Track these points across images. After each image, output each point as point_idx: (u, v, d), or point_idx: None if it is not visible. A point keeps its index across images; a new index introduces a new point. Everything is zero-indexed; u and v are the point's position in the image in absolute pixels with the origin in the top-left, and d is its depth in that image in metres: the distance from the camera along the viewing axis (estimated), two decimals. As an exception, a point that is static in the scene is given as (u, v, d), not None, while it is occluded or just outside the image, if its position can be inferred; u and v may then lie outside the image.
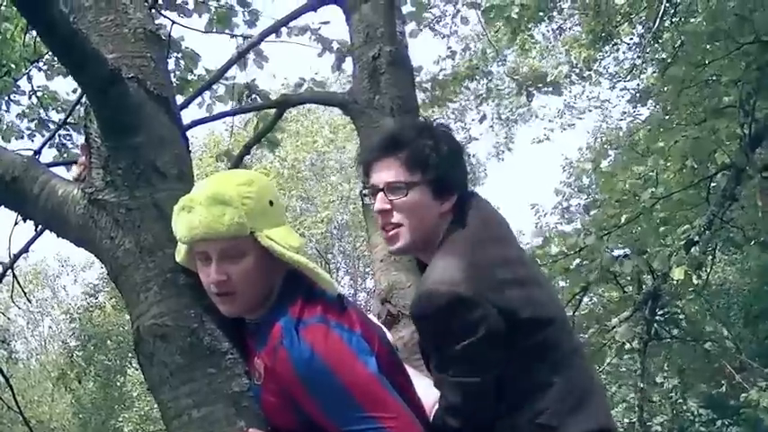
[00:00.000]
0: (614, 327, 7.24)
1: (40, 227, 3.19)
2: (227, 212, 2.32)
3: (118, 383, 25.83)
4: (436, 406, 2.52)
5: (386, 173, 2.53)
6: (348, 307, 2.42)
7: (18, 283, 4.99)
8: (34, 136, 9.15)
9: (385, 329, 2.93)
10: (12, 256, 4.58)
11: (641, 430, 8.64)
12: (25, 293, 5.26)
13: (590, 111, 20.97)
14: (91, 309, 26.00)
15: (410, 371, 2.72)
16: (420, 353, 2.66)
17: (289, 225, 2.51)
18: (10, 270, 4.59)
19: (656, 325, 7.87)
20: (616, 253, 7.20)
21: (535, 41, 14.95)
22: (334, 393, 2.25)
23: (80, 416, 26.68)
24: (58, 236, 2.85)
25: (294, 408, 2.34)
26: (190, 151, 2.92)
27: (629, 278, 7.64)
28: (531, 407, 2.44)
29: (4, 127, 9.05)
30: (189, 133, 3.16)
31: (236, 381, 2.50)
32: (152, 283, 2.59)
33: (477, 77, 10.75)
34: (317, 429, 2.32)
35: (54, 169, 2.98)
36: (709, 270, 8.81)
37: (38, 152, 4.99)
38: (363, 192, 2.67)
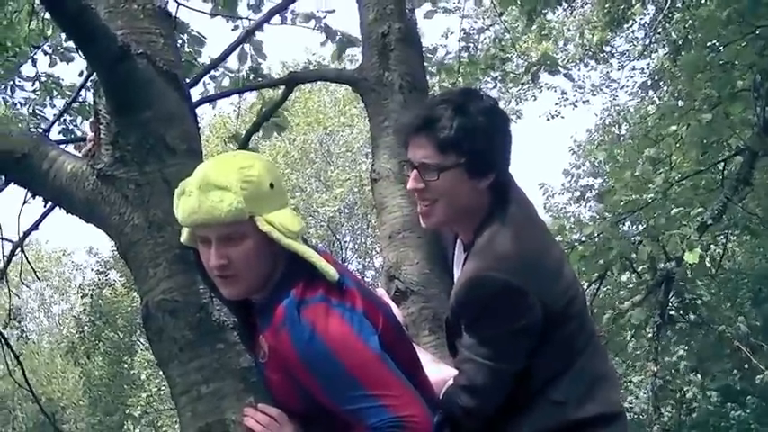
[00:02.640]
0: (628, 310, 7.24)
1: (49, 204, 3.20)
2: (226, 198, 2.32)
3: (126, 364, 25.97)
4: (450, 382, 2.53)
5: (420, 151, 2.51)
6: (350, 286, 2.41)
7: (29, 262, 5.01)
8: (39, 125, 9.18)
9: (393, 305, 2.95)
10: (21, 234, 4.60)
11: (654, 414, 8.67)
12: (36, 272, 5.28)
13: (600, 90, 20.84)
14: (101, 286, 26.11)
15: (416, 347, 2.75)
16: (445, 328, 2.68)
17: (290, 207, 2.50)
18: (19, 249, 4.61)
19: (669, 309, 7.87)
20: (632, 239, 7.19)
21: (552, 26, 14.89)
22: (335, 372, 2.26)
23: (90, 393, 26.85)
24: (67, 212, 2.85)
25: (297, 386, 2.36)
26: (199, 127, 2.92)
27: (644, 264, 7.61)
28: (549, 389, 2.48)
29: (10, 114, 9.09)
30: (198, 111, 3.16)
31: (244, 356, 2.52)
32: (161, 259, 2.60)
33: (496, 66, 10.67)
34: (320, 408, 2.34)
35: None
36: (722, 254, 8.81)
37: (47, 131, 5.01)
38: (403, 163, 2.68)
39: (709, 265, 6.87)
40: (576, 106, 20.62)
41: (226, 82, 6.24)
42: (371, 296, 2.53)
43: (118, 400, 26.19)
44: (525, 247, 2.45)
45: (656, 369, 7.80)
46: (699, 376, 12.49)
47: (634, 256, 7.04)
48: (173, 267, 2.58)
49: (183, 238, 2.55)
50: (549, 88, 19.04)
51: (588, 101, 20.80)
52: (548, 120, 20.85)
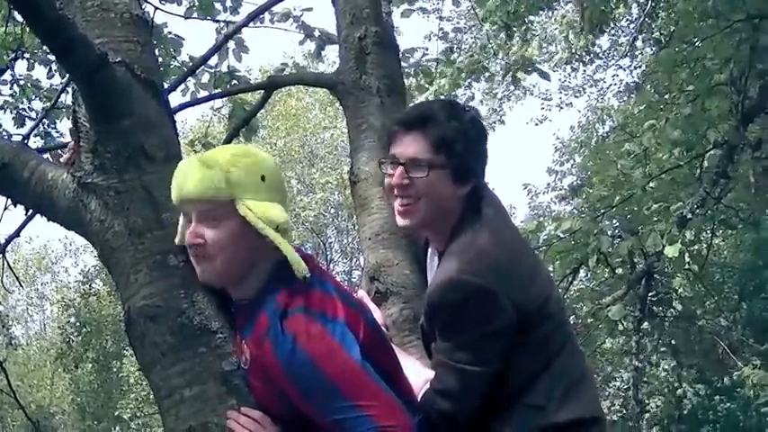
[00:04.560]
0: (608, 306, 7.30)
1: (31, 211, 3.22)
2: (208, 175, 2.37)
3: (114, 369, 25.94)
4: (426, 386, 2.56)
5: (410, 147, 2.54)
6: (332, 294, 2.44)
7: (10, 267, 5.01)
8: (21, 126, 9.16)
9: (373, 306, 2.98)
10: (3, 241, 4.61)
11: (637, 408, 8.71)
12: (18, 279, 5.29)
13: (584, 92, 20.92)
14: (86, 295, 26.06)
15: (397, 350, 2.77)
16: (420, 332, 2.70)
17: (281, 205, 2.49)
18: (1, 255, 4.62)
19: (649, 304, 7.93)
20: (611, 233, 7.24)
21: (535, 31, 14.94)
22: (317, 384, 2.28)
23: (78, 400, 26.79)
24: (48, 220, 2.88)
25: (279, 395, 2.37)
26: (178, 134, 2.94)
27: (621, 259, 7.68)
28: (526, 393, 2.50)
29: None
30: (179, 118, 3.18)
31: (226, 360, 2.53)
32: (142, 265, 2.61)
33: (477, 72, 10.71)
34: (302, 416, 2.36)
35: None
36: (708, 249, 8.87)
37: (25, 138, 5.02)
38: (381, 161, 2.66)
39: (688, 259, 6.92)
40: (561, 108, 20.72)
41: (205, 78, 6.29)
42: (353, 303, 2.54)
43: (107, 405, 26.16)
44: (498, 251, 2.47)
45: (636, 363, 7.86)
46: (685, 371, 12.58)
47: (610, 251, 7.08)
48: (153, 273, 2.60)
49: (177, 239, 2.57)
50: (533, 94, 19.16)
51: (571, 103, 20.91)
52: (536, 125, 20.94)
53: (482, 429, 2.52)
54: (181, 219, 2.55)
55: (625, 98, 18.37)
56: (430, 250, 2.78)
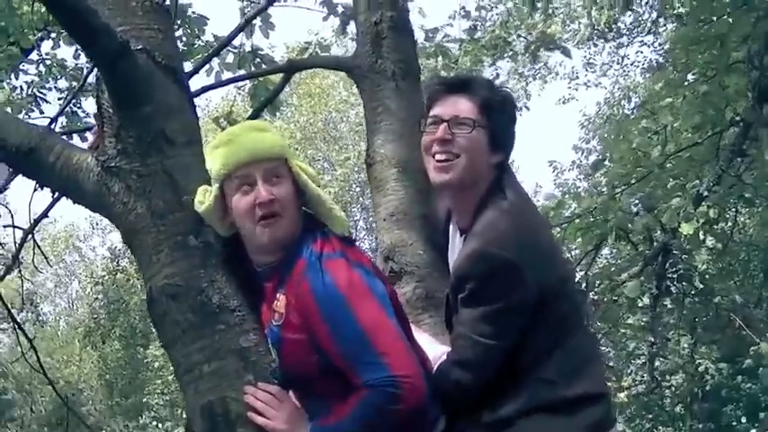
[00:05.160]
0: (624, 282, 7.35)
1: (57, 194, 3.32)
2: (268, 136, 2.55)
3: (141, 347, 26.18)
4: (443, 358, 2.64)
5: (455, 107, 2.65)
6: (363, 256, 2.58)
7: (38, 247, 5.14)
8: (39, 105, 9.27)
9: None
10: (32, 221, 4.73)
11: (652, 384, 8.77)
12: (46, 258, 5.42)
13: (610, 67, 20.82)
14: (113, 273, 26.28)
15: (411, 326, 2.86)
16: (445, 304, 2.78)
17: None
18: (30, 235, 4.74)
19: (667, 281, 7.96)
20: (633, 210, 7.28)
21: (558, 8, 14.91)
22: (346, 321, 2.39)
23: (106, 376, 27.09)
24: (74, 202, 2.98)
25: (309, 343, 2.46)
26: (198, 119, 3.03)
27: (642, 236, 7.72)
28: (539, 368, 2.57)
29: (17, 98, 9.17)
30: (203, 98, 3.28)
31: (244, 336, 2.63)
32: (163, 246, 2.71)
33: (500, 48, 10.69)
34: (331, 369, 2.45)
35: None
36: (732, 226, 8.88)
37: (54, 120, 5.12)
38: (422, 121, 2.75)
39: (703, 236, 6.95)
40: (588, 86, 20.66)
41: (230, 58, 6.37)
42: (374, 265, 2.68)
43: (135, 382, 26.43)
44: (523, 228, 2.56)
45: (653, 339, 7.91)
46: (705, 348, 12.59)
47: (630, 227, 7.12)
48: (174, 254, 2.70)
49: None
50: (558, 75, 19.11)
51: (600, 83, 20.84)
52: (563, 103, 20.92)
53: (493, 402, 2.59)
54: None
55: (648, 75, 18.28)
56: (451, 227, 2.85)
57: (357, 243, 2.62)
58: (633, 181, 7.35)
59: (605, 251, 9.06)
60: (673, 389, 14.76)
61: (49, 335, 31.41)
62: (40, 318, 31.40)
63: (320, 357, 2.46)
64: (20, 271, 5.76)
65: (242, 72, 6.08)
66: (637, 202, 7.39)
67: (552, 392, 2.56)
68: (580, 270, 8.09)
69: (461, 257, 2.58)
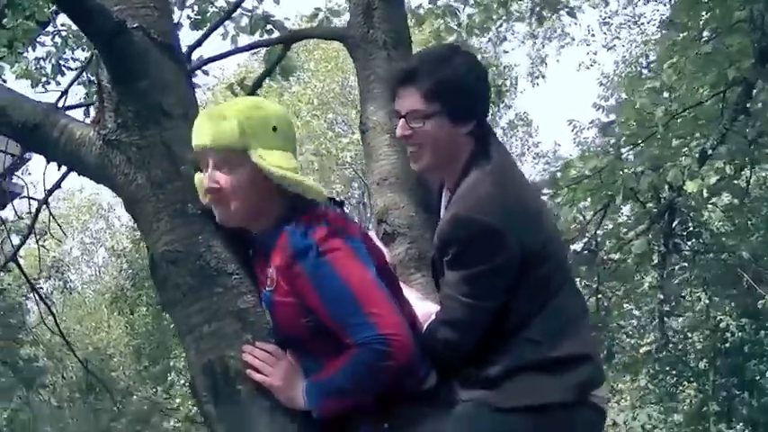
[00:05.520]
0: (631, 240, 7.45)
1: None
2: (222, 126, 2.60)
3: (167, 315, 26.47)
4: (432, 317, 2.76)
5: (407, 101, 2.73)
6: (351, 223, 2.70)
7: (54, 219, 5.32)
8: (55, 78, 9.40)
9: (382, 246, 3.21)
10: (45, 192, 4.90)
11: (662, 340, 8.87)
12: (62, 229, 5.60)
13: (627, 27, 20.79)
14: (137, 241, 26.57)
15: (402, 286, 2.98)
16: (431, 266, 2.90)
17: (292, 154, 2.71)
18: (45, 206, 4.91)
19: (676, 239, 8.05)
20: (635, 170, 7.35)
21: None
22: (335, 287, 2.50)
23: (134, 343, 27.47)
24: (79, 174, 3.14)
25: (301, 306, 2.59)
26: (195, 91, 3.17)
27: (649, 195, 7.80)
28: (525, 328, 2.67)
29: (32, 68, 9.30)
30: (218, 65, 3.39)
31: (241, 298, 2.76)
32: (163, 214, 2.85)
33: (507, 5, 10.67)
34: (323, 329, 2.58)
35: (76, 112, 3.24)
36: (748, 183, 8.91)
37: (65, 92, 5.26)
38: (391, 113, 2.90)
39: (707, 194, 7.03)
40: (607, 48, 20.64)
41: (244, 21, 6.48)
42: (367, 234, 2.80)
43: (162, 347, 26.78)
44: (505, 192, 2.65)
45: (661, 296, 8.01)
46: (719, 302, 12.63)
47: (636, 186, 7.20)
48: (174, 221, 2.83)
49: (197, 179, 2.77)
50: (574, 40, 19.07)
51: (614, 46, 20.81)
52: (587, 68, 20.93)
53: (480, 362, 2.70)
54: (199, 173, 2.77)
55: (663, 32, 18.21)
56: (444, 190, 2.94)
57: (345, 206, 2.74)
58: (640, 141, 7.41)
59: (625, 209, 9.08)
60: (695, 345, 14.84)
61: (77, 302, 31.78)
62: (68, 285, 31.74)
63: (311, 319, 2.58)
64: (38, 241, 5.94)
65: (256, 38, 6.20)
66: (644, 161, 7.45)
67: (538, 352, 2.65)
68: (591, 230, 8.22)
69: (443, 222, 2.69)
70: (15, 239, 6.54)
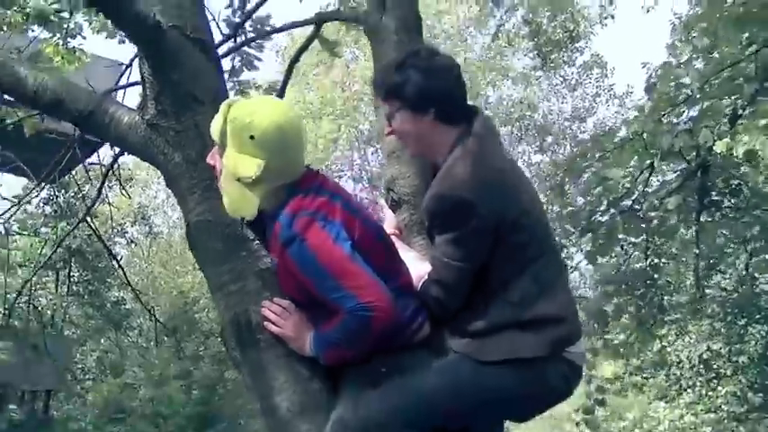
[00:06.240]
0: (664, 198, 7.68)
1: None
2: (216, 121, 3.05)
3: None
4: (425, 277, 3.18)
5: (384, 108, 3.26)
6: (336, 203, 3.06)
7: (120, 182, 5.84)
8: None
9: (389, 212, 3.64)
10: (114, 155, 5.43)
11: (698, 293, 9.08)
12: (127, 192, 6.08)
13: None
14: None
15: (404, 247, 3.41)
16: (426, 234, 3.32)
17: (265, 161, 2.99)
18: (111, 172, 5.44)
19: (713, 195, 8.22)
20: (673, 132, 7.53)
21: None
22: (316, 270, 2.91)
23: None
24: (127, 153, 3.63)
25: (296, 283, 3.01)
26: (225, 81, 3.61)
27: (694, 154, 7.96)
28: (505, 290, 3.06)
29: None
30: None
31: (262, 261, 3.20)
32: (196, 188, 3.31)
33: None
34: (314, 300, 3.00)
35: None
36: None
37: (129, 65, 5.72)
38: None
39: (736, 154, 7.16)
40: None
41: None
42: (352, 208, 3.14)
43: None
44: (479, 170, 3.04)
45: (697, 251, 8.22)
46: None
47: (673, 147, 7.38)
48: (205, 195, 3.29)
49: None
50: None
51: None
52: (647, 12, 20.68)
53: (467, 319, 3.11)
54: None
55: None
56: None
57: (331, 191, 3.10)
58: (679, 102, 7.57)
59: (667, 169, 9.25)
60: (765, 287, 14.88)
61: (163, 246, 32.78)
62: (153, 230, 32.70)
63: (307, 293, 3.01)
64: (122, 188, 6.38)
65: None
66: (685, 121, 7.62)
67: (517, 313, 3.03)
68: (638, 188, 8.45)
69: (426, 198, 3.11)
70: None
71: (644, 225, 8.18)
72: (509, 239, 3.05)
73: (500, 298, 3.06)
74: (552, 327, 3.07)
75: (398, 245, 3.39)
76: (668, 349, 17.54)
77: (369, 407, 3.01)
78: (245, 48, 5.78)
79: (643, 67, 19.75)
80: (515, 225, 3.06)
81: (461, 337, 3.11)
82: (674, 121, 7.61)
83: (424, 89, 3.13)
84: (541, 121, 30.93)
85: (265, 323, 3.15)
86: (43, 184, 6.40)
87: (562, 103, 31.46)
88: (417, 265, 3.28)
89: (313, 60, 26.32)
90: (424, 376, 3.08)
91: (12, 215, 6.10)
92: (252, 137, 2.97)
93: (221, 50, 4.97)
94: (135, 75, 5.65)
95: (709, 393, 17.53)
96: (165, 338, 23.81)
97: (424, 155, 3.33)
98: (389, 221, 3.64)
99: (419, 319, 3.12)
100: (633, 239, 9.00)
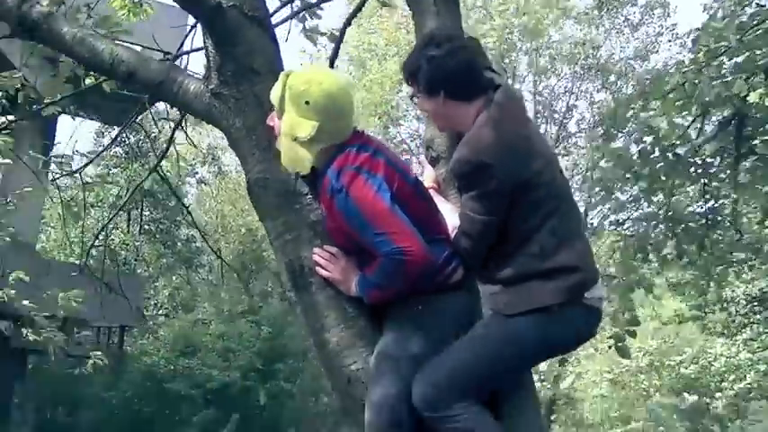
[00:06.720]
0: (702, 145, 7.88)
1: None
2: (276, 88, 3.46)
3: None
4: (457, 228, 3.57)
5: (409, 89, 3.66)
6: (379, 158, 3.43)
7: (187, 136, 6.21)
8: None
9: (429, 168, 3.98)
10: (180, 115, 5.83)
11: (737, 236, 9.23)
12: (193, 143, 6.47)
13: None
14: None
15: (441, 200, 3.79)
16: (457, 190, 3.69)
17: (320, 124, 3.39)
18: (179, 127, 5.84)
19: (751, 143, 8.36)
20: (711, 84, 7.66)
21: None
22: (359, 218, 3.29)
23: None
24: (194, 117, 4.05)
25: (342, 231, 3.40)
26: (280, 52, 3.93)
27: (728, 105, 8.08)
28: (525, 244, 3.39)
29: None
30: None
31: (313, 213, 3.56)
32: (255, 150, 3.67)
33: None
34: (358, 246, 3.40)
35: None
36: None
37: (194, 26, 6.04)
38: None
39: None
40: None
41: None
42: (393, 164, 3.46)
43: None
44: (497, 136, 3.39)
45: (734, 196, 8.39)
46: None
47: (709, 98, 7.55)
48: (263, 155, 3.65)
49: None
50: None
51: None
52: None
53: (494, 268, 3.49)
54: None
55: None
56: None
57: (375, 148, 3.46)
58: (720, 54, 7.69)
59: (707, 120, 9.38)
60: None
61: (232, 185, 33.37)
62: (222, 170, 33.23)
63: (353, 241, 3.39)
64: (177, 154, 6.74)
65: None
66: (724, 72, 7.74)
67: (537, 263, 3.36)
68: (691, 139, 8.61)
69: (452, 161, 3.50)
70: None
71: (701, 170, 8.35)
72: (526, 197, 3.40)
73: (522, 250, 3.41)
74: (567, 274, 3.37)
75: (436, 197, 3.76)
76: (726, 288, 17.64)
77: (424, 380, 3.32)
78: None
79: (704, 11, 19.55)
80: (530, 184, 3.41)
81: (491, 283, 3.49)
82: (712, 75, 7.74)
83: (432, 76, 3.50)
84: (604, 60, 30.72)
85: (316, 268, 3.51)
86: (117, 129, 6.78)
87: (625, 42, 31.17)
88: (452, 216, 3.65)
89: (375, 3, 26.55)
90: (464, 348, 3.40)
91: (86, 164, 6.46)
92: (307, 102, 3.36)
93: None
94: (198, 38, 6.03)
95: (767, 331, 17.68)
96: (236, 275, 24.42)
97: (449, 128, 3.72)
98: (429, 176, 3.97)
99: (453, 263, 3.49)
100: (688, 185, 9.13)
